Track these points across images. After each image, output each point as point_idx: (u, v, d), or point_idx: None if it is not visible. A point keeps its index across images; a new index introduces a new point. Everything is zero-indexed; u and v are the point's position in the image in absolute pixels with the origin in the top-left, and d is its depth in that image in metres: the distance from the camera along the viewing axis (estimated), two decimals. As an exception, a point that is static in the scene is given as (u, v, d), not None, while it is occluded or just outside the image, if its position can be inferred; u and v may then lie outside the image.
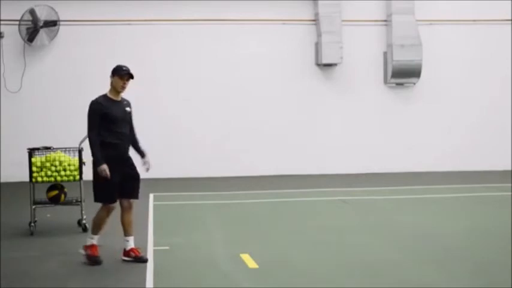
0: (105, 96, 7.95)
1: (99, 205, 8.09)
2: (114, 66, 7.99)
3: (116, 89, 7.91)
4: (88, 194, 10.24)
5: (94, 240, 8.03)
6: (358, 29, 16.98)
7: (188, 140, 16.48)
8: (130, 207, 8.09)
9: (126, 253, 8.06)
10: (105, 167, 7.72)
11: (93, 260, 7.93)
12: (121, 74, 7.86)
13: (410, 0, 16.89)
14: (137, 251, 8.07)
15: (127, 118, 8.02)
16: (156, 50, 16.45)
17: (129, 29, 16.29)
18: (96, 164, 7.81)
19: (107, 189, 7.85)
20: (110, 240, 9.12)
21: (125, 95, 8.11)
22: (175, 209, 12.08)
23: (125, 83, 7.89)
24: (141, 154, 8.20)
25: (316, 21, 16.82)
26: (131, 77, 7.91)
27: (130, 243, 8.08)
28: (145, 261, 7.93)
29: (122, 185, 7.93)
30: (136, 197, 8.12)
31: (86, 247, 8.03)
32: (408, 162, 17.11)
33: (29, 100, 15.83)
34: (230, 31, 16.67)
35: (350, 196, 13.24)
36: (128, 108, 8.05)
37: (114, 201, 7.96)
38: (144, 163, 8.13)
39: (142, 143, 8.25)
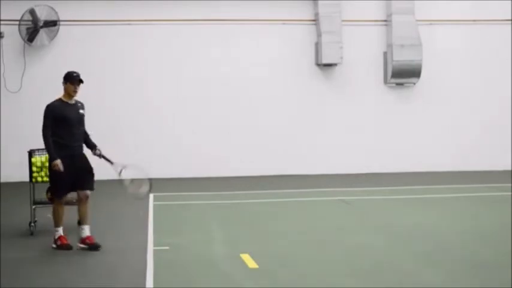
0: (60, 99, 8.77)
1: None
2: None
3: (68, 93, 8.74)
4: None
5: (59, 232, 8.75)
6: (358, 29, 16.97)
7: (188, 140, 16.46)
8: (86, 198, 8.78)
9: (82, 241, 8.70)
10: (58, 162, 8.52)
11: (64, 247, 8.65)
12: (72, 80, 8.71)
13: (410, 0, 16.89)
14: (92, 239, 8.70)
15: (80, 119, 8.81)
16: (156, 50, 16.43)
17: (129, 29, 16.28)
18: (50, 159, 8.59)
19: (59, 185, 8.69)
20: (109, 241, 9.11)
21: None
22: (175, 209, 12.07)
23: (76, 88, 8.73)
24: (93, 147, 8.97)
25: (316, 21, 16.81)
26: (81, 81, 8.75)
27: (86, 231, 8.72)
28: (97, 247, 8.58)
29: (77, 179, 8.68)
30: (91, 188, 8.83)
31: (55, 240, 8.73)
32: (408, 162, 17.09)
33: (29, 100, 15.79)
34: (230, 31, 16.65)
35: (350, 196, 13.23)
36: (81, 110, 8.84)
37: (63, 197, 8.80)
38: (95, 154, 8.92)
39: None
